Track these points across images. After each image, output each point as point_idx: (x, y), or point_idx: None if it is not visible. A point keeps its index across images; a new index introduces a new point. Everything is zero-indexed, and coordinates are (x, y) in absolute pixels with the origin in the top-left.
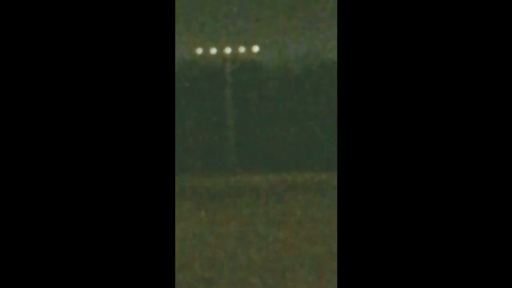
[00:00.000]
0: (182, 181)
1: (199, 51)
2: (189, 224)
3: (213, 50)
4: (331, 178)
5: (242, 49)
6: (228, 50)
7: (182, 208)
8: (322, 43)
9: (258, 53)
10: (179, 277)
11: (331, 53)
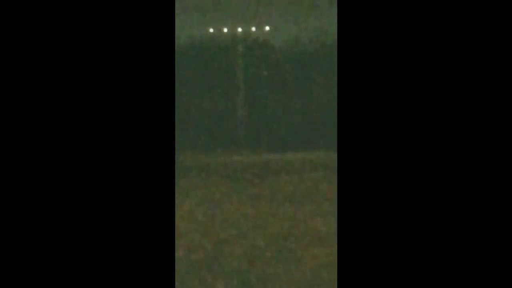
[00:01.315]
0: (191, 159)
1: (211, 30)
2: (194, 200)
3: (225, 30)
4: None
5: (253, 29)
6: (240, 30)
7: (190, 184)
8: (333, 24)
9: (269, 32)
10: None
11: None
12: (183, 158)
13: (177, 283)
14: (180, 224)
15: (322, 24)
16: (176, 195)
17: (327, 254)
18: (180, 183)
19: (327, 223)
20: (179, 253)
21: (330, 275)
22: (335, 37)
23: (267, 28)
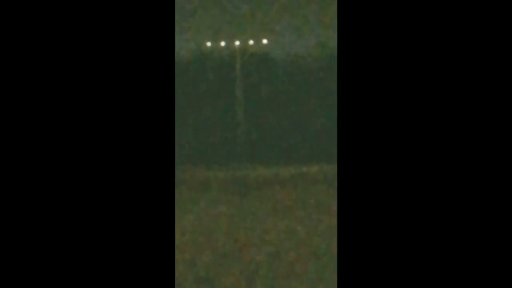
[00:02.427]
0: (191, 173)
1: (209, 44)
2: (195, 213)
3: (223, 43)
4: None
5: (251, 42)
6: (237, 43)
7: (188, 197)
8: (330, 36)
9: (267, 45)
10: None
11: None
12: (181, 172)
13: None
14: (179, 238)
15: (321, 37)
16: (176, 209)
17: (324, 268)
18: (178, 197)
19: (326, 237)
20: (179, 267)
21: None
22: (334, 50)
23: (265, 41)
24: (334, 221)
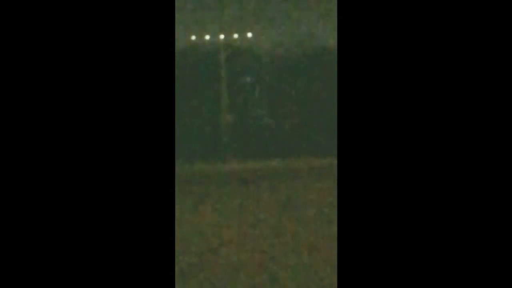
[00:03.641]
0: (177, 168)
1: (193, 38)
2: (186, 211)
3: (207, 37)
4: (329, 164)
5: (236, 36)
6: (221, 37)
7: (178, 194)
8: (316, 28)
9: (252, 39)
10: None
11: (327, 39)
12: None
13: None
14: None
15: (306, 30)
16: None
17: (323, 262)
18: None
19: (322, 231)
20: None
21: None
22: (321, 43)
23: (250, 34)
24: (331, 214)
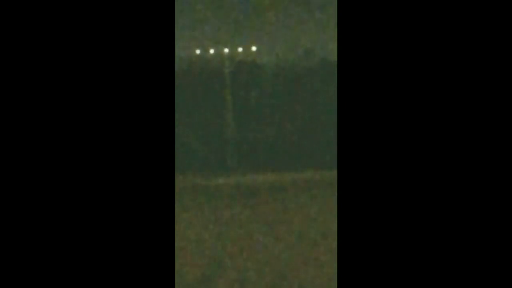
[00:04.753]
0: (181, 181)
1: (198, 51)
2: (188, 224)
3: (212, 51)
4: (331, 177)
5: (240, 49)
6: (226, 50)
7: (181, 207)
8: (321, 42)
9: (256, 52)
10: (178, 278)
11: (330, 52)
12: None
13: None
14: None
15: (310, 43)
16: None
17: (324, 276)
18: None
19: (322, 248)
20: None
21: None
22: (324, 56)
23: (254, 48)
24: (332, 228)
